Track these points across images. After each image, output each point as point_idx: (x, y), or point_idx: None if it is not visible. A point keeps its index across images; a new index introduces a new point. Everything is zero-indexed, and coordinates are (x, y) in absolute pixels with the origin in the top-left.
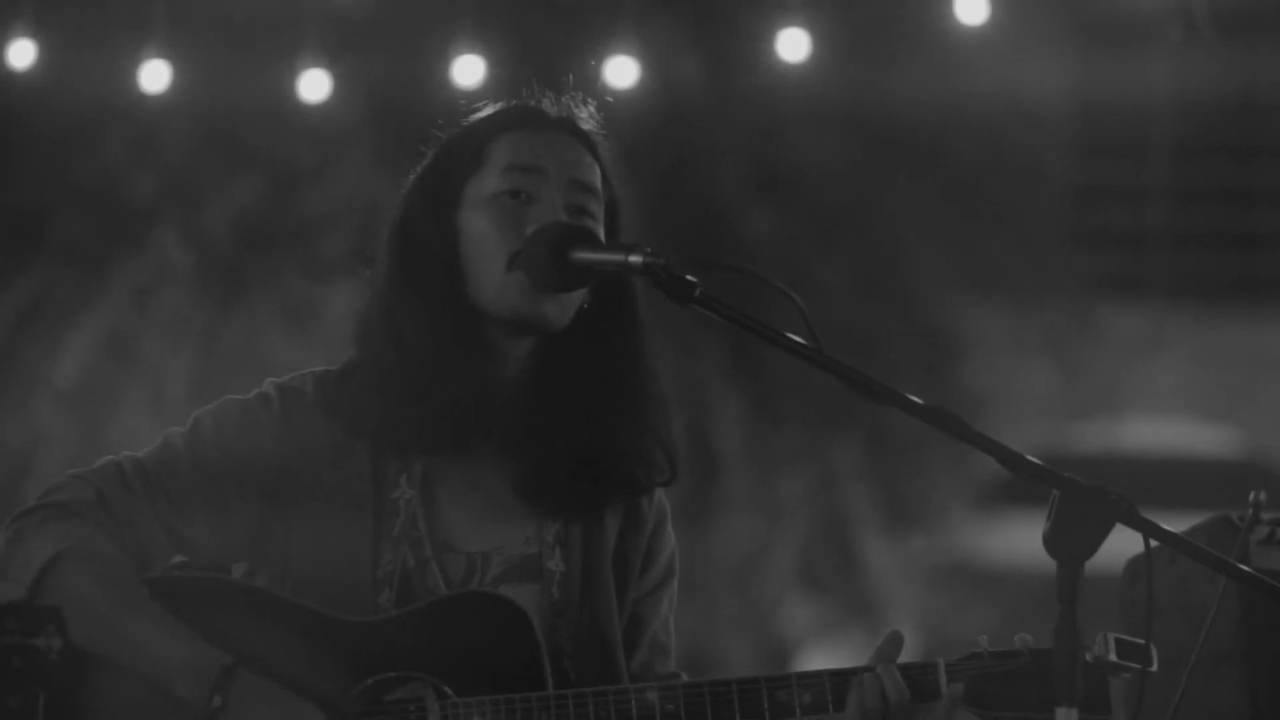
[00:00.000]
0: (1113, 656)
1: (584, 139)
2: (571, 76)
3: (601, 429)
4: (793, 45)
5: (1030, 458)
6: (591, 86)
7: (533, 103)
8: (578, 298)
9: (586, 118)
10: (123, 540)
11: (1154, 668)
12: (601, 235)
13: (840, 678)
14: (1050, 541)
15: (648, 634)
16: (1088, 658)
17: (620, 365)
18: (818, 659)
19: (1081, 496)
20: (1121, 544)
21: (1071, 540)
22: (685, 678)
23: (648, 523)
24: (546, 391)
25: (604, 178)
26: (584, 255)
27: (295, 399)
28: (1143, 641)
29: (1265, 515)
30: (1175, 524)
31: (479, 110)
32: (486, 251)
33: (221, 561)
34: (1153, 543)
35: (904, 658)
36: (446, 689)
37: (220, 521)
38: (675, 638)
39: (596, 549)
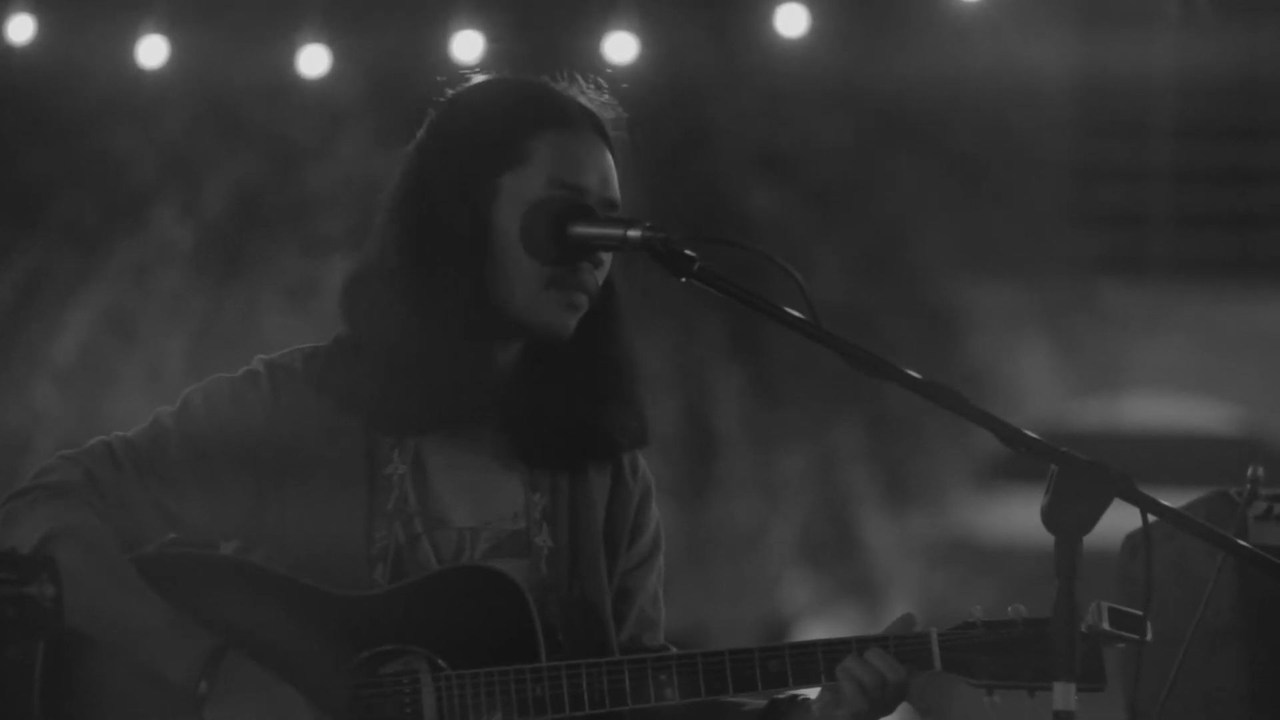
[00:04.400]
0: (1106, 625)
1: (609, 144)
2: (576, 73)
3: (583, 396)
4: (791, 21)
5: (1029, 433)
6: (592, 61)
7: (558, 85)
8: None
9: (604, 104)
10: (114, 520)
11: (1149, 637)
12: None
13: (832, 648)
14: (1049, 517)
15: (635, 607)
16: (1081, 628)
17: (603, 348)
18: (816, 636)
19: (1080, 471)
20: (1120, 519)
21: (1070, 515)
22: (675, 651)
23: (633, 497)
24: (537, 376)
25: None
26: (583, 230)
27: (285, 376)
28: (1137, 611)
29: (1263, 491)
30: (1174, 500)
31: (483, 77)
32: (525, 263)
33: (214, 538)
34: (1151, 518)
35: None
36: (441, 662)
37: (212, 499)
38: (666, 612)
39: (584, 524)
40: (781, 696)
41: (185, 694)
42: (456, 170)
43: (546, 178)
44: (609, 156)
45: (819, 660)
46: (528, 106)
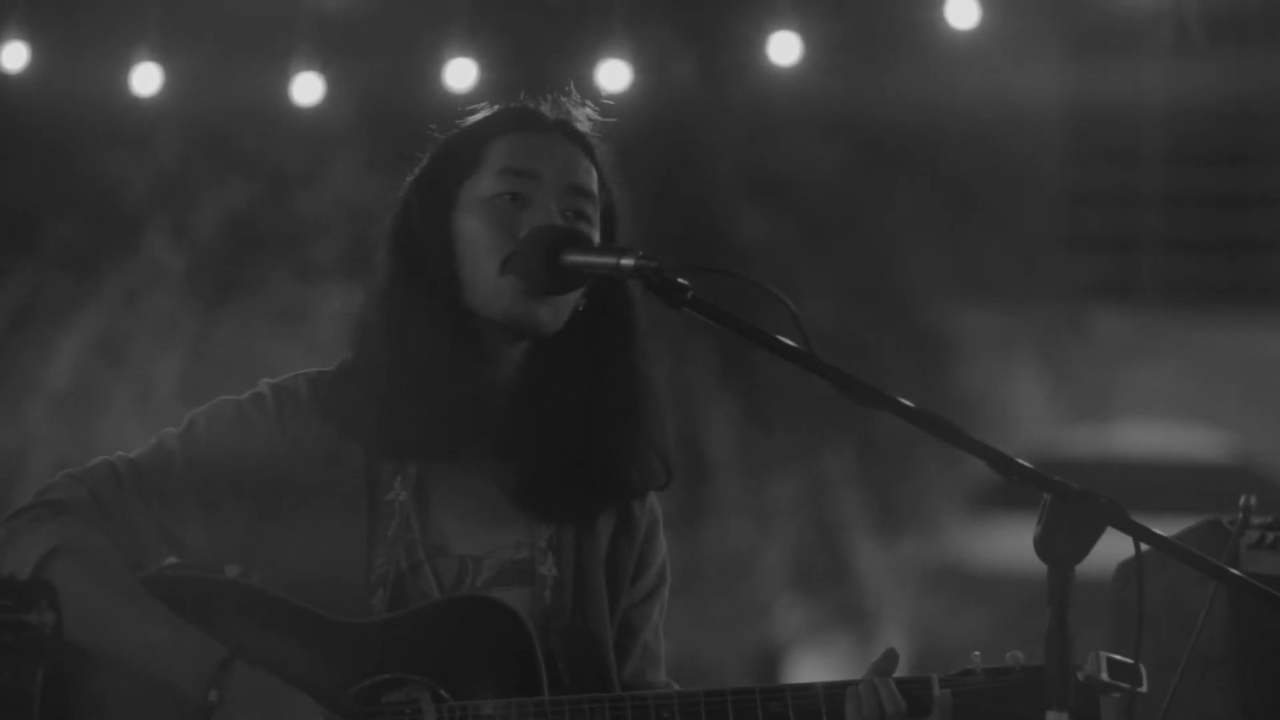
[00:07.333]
0: (1104, 676)
1: (581, 142)
2: (571, 81)
3: (596, 433)
4: (784, 49)
5: (1021, 461)
6: (584, 89)
7: (531, 105)
8: (572, 300)
9: (584, 119)
10: (116, 538)
11: (1144, 688)
12: (597, 239)
13: (834, 689)
14: (1041, 545)
15: (639, 642)
16: (1080, 677)
17: (615, 369)
18: (808, 663)
19: (1072, 500)
20: (1112, 548)
21: (1062, 544)
22: (677, 687)
23: (640, 528)
24: (540, 395)
25: (601, 182)
26: (575, 258)
27: (289, 400)
28: (1133, 662)
29: (1255, 519)
30: (1166, 528)
31: (477, 111)
32: (480, 254)
33: (214, 562)
34: (1143, 547)
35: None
36: (442, 692)
37: (213, 522)
38: (665, 642)
39: (589, 554)
40: None
41: (195, 704)
42: (425, 189)
43: (498, 169)
44: (577, 152)
45: (820, 700)
46: (489, 119)
